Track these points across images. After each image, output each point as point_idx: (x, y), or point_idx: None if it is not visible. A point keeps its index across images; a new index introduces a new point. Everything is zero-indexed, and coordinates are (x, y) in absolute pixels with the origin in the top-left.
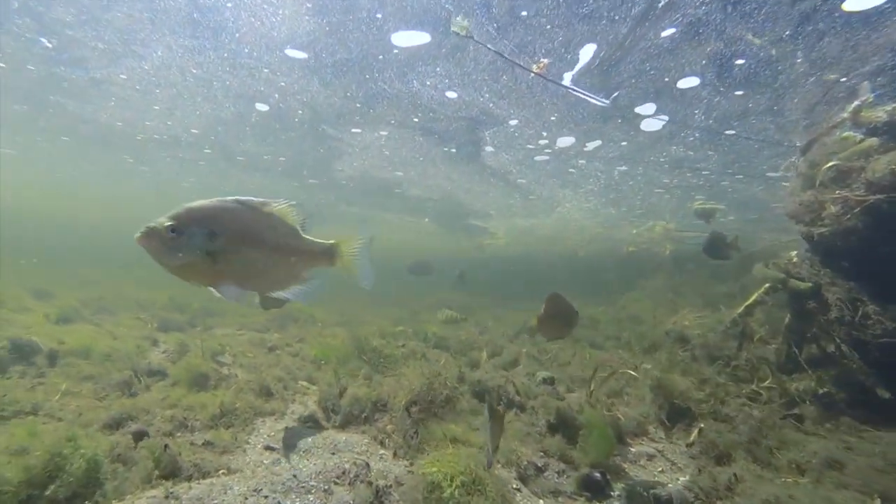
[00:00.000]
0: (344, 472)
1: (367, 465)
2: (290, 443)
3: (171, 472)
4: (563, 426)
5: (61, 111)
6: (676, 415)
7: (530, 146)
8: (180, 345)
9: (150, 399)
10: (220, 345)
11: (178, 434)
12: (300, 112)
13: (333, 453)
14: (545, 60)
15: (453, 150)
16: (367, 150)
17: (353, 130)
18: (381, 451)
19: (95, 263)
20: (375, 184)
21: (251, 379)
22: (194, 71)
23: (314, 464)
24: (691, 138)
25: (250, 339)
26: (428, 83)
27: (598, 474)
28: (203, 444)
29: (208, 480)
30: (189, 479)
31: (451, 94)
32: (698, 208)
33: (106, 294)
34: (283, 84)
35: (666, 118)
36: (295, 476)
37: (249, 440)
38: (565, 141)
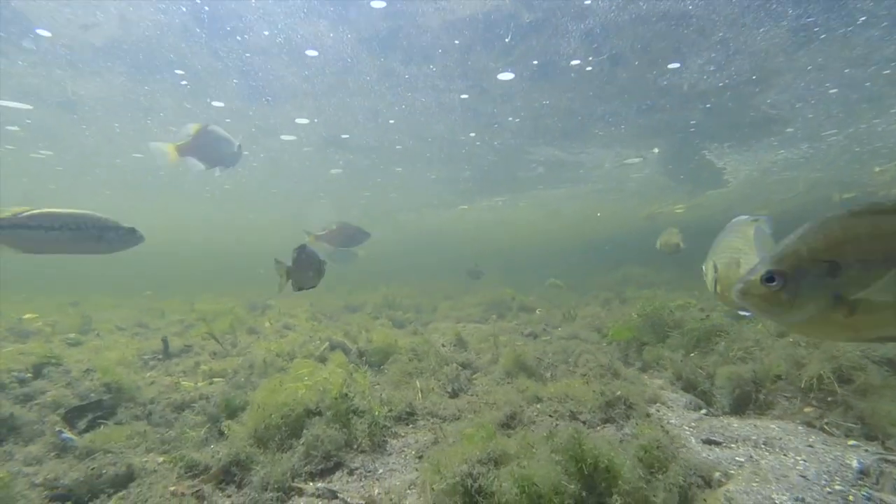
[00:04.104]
0: (863, 472)
1: None
2: (727, 434)
3: None
4: None
5: None
6: None
7: None
8: (457, 337)
9: (509, 391)
10: (490, 335)
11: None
12: None
13: (810, 446)
14: None
15: None
16: None
17: None
18: (850, 442)
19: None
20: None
21: (603, 363)
22: None
23: (799, 460)
24: None
25: (501, 328)
26: None
27: None
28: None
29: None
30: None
31: None
32: None
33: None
34: None
35: None
36: (805, 477)
37: (675, 433)
38: None
